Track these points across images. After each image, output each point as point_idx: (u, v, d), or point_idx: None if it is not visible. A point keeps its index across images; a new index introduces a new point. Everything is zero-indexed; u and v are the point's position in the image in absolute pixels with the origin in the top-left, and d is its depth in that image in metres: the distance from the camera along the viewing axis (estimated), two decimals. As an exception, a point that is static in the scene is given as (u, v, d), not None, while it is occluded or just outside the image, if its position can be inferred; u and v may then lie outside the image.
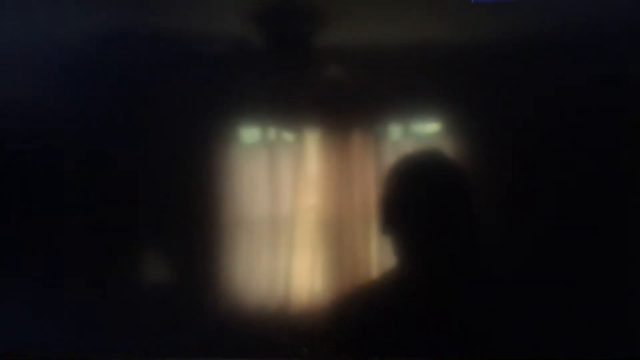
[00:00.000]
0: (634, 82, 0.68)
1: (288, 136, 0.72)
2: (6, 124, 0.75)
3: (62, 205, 0.74)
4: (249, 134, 0.73)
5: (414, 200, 0.72)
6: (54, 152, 0.74)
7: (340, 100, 0.72)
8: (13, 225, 0.75)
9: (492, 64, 0.70)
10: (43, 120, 0.74)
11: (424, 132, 0.72)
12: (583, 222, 0.69)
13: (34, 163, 0.74)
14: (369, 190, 0.71)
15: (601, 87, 0.69)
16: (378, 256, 0.71)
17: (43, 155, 0.74)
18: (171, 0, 0.73)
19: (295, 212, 0.72)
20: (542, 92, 0.69)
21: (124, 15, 0.74)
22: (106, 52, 0.74)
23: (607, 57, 0.68)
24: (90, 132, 0.74)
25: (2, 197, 0.75)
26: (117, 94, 0.74)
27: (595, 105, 0.69)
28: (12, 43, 0.75)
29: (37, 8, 0.75)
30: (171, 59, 0.73)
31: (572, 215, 0.69)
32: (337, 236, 0.71)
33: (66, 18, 0.74)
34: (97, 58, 0.74)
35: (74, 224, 0.74)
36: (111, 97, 0.74)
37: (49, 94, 0.74)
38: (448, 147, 0.71)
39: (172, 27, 0.74)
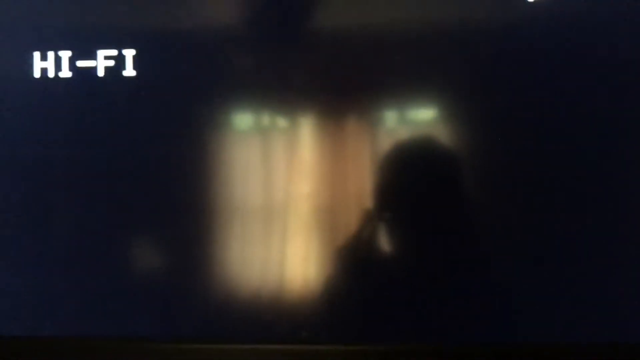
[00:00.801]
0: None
1: (282, 123, 0.72)
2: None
3: (57, 196, 0.74)
4: (242, 120, 0.73)
5: (410, 187, 0.72)
6: (53, 143, 0.74)
7: (335, 87, 0.71)
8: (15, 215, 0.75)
9: (491, 50, 0.70)
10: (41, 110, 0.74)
11: (419, 119, 0.72)
12: (581, 210, 0.69)
13: (33, 153, 0.74)
14: (364, 177, 0.71)
15: (606, 81, 0.69)
16: (376, 242, 0.72)
17: (42, 145, 0.74)
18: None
19: (292, 198, 0.72)
20: (541, 79, 0.69)
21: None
22: (99, 39, 0.73)
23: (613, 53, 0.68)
24: (84, 121, 0.74)
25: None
26: (110, 80, 0.73)
27: (596, 96, 0.69)
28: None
29: None
30: (164, 44, 0.72)
31: (570, 204, 0.69)
32: (335, 222, 0.72)
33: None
34: (93, 45, 0.73)
35: (69, 212, 0.74)
36: (104, 84, 0.73)
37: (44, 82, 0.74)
38: (444, 134, 0.71)
39: (164, 11, 0.73)
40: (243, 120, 0.73)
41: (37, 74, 0.74)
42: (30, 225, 0.74)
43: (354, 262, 0.72)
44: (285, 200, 0.72)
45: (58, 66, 0.73)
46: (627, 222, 0.69)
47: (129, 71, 0.73)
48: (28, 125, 0.74)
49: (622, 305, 0.69)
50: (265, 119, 0.73)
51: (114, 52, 0.73)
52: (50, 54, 0.73)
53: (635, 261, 0.69)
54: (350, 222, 0.71)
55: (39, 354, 0.75)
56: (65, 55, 0.73)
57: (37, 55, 0.74)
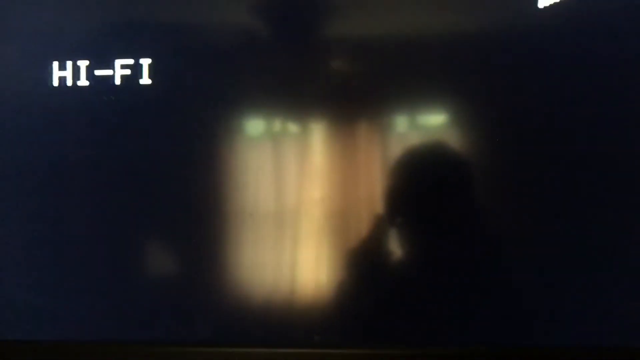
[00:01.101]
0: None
1: (294, 128, 0.73)
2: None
3: (70, 201, 0.75)
4: (256, 126, 0.74)
5: (420, 192, 0.72)
6: (70, 149, 0.75)
7: (347, 92, 0.72)
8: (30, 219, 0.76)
9: (500, 55, 0.70)
10: (60, 118, 0.76)
11: (430, 123, 0.72)
12: (589, 213, 0.69)
13: (51, 159, 0.75)
14: (375, 182, 0.72)
15: (612, 79, 0.69)
16: (388, 247, 0.72)
17: (59, 151, 0.75)
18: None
19: (304, 203, 0.72)
20: (549, 83, 0.69)
21: (129, 4, 0.75)
22: (116, 48, 0.75)
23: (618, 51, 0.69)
24: (101, 128, 0.75)
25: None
26: (126, 88, 0.74)
27: (603, 98, 0.69)
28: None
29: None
30: (176, 50, 0.74)
31: (579, 207, 0.69)
32: (348, 227, 0.72)
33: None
34: (110, 54, 0.75)
35: (84, 216, 0.75)
36: (116, 89, 0.74)
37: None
38: (454, 139, 0.71)
39: (177, 16, 0.74)
40: (256, 126, 0.74)
41: (55, 82, 0.75)
42: (44, 227, 0.76)
43: (366, 267, 0.72)
44: (298, 205, 0.72)
45: (76, 75, 0.75)
46: (630, 226, 0.69)
47: (145, 79, 0.74)
48: (47, 133, 0.75)
49: (623, 309, 0.69)
50: (278, 124, 0.74)
51: (130, 61, 0.75)
52: (69, 64, 0.75)
53: (637, 264, 0.69)
54: (363, 226, 0.72)
55: (41, 357, 0.75)
56: (83, 64, 0.75)
57: (55, 64, 0.75)
